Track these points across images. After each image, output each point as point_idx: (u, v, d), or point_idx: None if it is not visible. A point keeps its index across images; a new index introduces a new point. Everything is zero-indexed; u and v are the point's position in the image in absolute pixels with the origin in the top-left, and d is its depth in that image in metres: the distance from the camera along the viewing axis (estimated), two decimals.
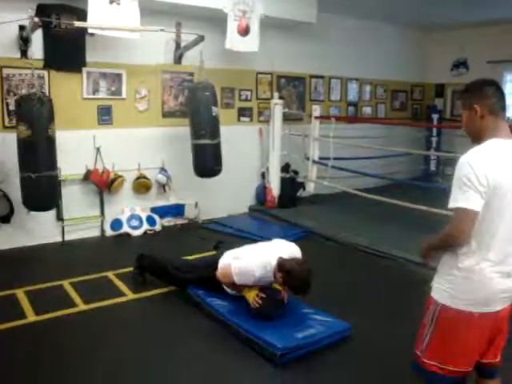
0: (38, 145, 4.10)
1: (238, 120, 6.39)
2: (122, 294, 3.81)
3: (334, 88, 7.47)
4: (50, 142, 4.20)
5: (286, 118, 6.50)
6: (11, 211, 4.72)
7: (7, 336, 3.13)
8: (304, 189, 6.63)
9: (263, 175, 6.58)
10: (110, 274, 4.20)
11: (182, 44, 5.55)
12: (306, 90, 7.11)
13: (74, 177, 5.08)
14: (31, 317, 3.38)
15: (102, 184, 5.23)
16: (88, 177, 5.16)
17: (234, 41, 5.46)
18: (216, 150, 5.19)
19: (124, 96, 5.37)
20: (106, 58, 5.14)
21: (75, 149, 5.00)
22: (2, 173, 4.67)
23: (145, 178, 5.57)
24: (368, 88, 7.97)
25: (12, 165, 4.44)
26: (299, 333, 3.00)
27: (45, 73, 4.81)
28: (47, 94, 4.71)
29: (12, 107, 4.61)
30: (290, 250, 3.38)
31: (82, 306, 3.57)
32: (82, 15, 4.62)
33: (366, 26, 7.37)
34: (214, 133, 5.14)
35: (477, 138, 1.88)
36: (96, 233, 5.38)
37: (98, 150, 5.21)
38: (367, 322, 3.33)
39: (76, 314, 3.47)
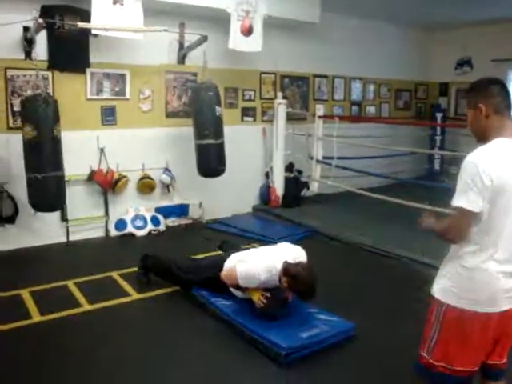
0: (44, 145, 4.10)
1: (242, 120, 6.39)
2: (127, 294, 3.82)
3: (337, 87, 7.46)
4: (56, 143, 4.20)
5: (290, 118, 6.50)
6: (16, 212, 4.74)
7: (12, 336, 3.14)
8: (308, 188, 6.62)
9: (267, 175, 6.58)
10: (115, 274, 4.21)
11: (186, 44, 5.55)
12: (309, 89, 7.10)
13: (78, 177, 5.10)
14: (36, 317, 3.39)
15: (107, 184, 5.24)
16: (92, 177, 5.17)
17: (237, 41, 5.46)
18: (220, 149, 5.19)
19: (128, 96, 5.38)
20: (109, 59, 5.16)
21: (79, 149, 5.01)
22: (6, 173, 4.68)
23: (149, 178, 5.58)
24: (372, 87, 7.95)
25: (16, 165, 4.45)
26: (304, 332, 3.00)
27: (49, 74, 4.82)
28: (51, 94, 4.72)
29: (17, 108, 4.62)
30: (295, 253, 3.37)
31: (87, 306, 3.58)
32: (85, 16, 4.63)
33: (369, 26, 7.35)
34: (218, 133, 5.14)
35: (482, 137, 1.87)
36: (100, 233, 5.39)
37: (102, 150, 5.22)
38: (372, 322, 3.33)
39: (81, 314, 3.48)
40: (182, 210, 5.89)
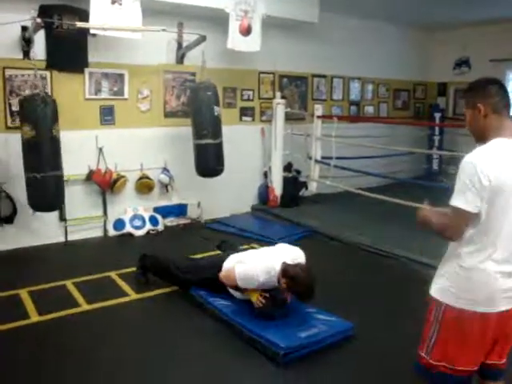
0: (43, 145, 4.10)
1: (240, 120, 6.39)
2: (125, 294, 3.82)
3: (336, 87, 7.46)
4: (55, 142, 4.20)
5: (288, 118, 6.50)
6: (14, 212, 4.74)
7: (11, 336, 3.14)
8: (306, 188, 6.62)
9: (265, 175, 6.58)
10: (113, 274, 4.20)
11: (184, 44, 5.55)
12: (308, 89, 7.10)
13: (76, 177, 5.09)
14: (34, 317, 3.38)
15: (105, 184, 5.24)
16: (91, 177, 5.16)
17: (235, 40, 5.46)
18: (218, 149, 5.19)
19: (126, 96, 5.37)
20: (108, 59, 5.15)
21: (78, 149, 5.00)
22: (5, 173, 4.68)
23: (147, 178, 5.57)
24: (370, 87, 7.96)
25: (15, 165, 4.45)
26: (302, 332, 3.00)
27: (47, 73, 4.81)
28: (50, 94, 4.71)
29: (15, 108, 4.62)
30: (293, 254, 3.37)
31: (85, 306, 3.58)
32: (84, 16, 4.63)
33: (368, 26, 7.35)
34: (216, 132, 5.14)
35: (481, 137, 1.88)
36: (99, 233, 5.39)
37: (100, 150, 5.22)
38: (370, 321, 3.33)
39: (79, 314, 3.48)
40: (180, 210, 5.88)
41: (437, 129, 8.14)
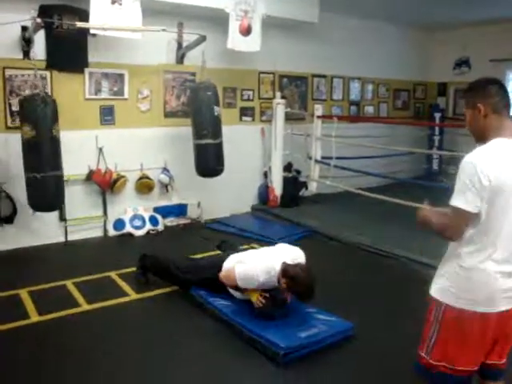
0: (43, 145, 4.10)
1: (240, 120, 6.39)
2: (125, 294, 3.82)
3: (336, 87, 7.46)
4: (55, 142, 4.20)
5: (288, 118, 6.50)
6: (14, 212, 4.74)
7: (11, 336, 3.14)
8: (306, 188, 6.62)
9: (265, 175, 6.58)
10: (113, 274, 4.20)
11: (184, 44, 5.55)
12: (308, 89, 7.10)
13: (76, 177, 5.09)
14: (34, 317, 3.38)
15: (105, 184, 5.24)
16: (91, 177, 5.16)
17: (235, 40, 5.46)
18: (218, 149, 5.19)
19: (126, 96, 5.37)
20: (108, 59, 5.15)
21: (78, 149, 5.00)
22: (4, 173, 4.68)
23: (147, 178, 5.57)
24: (370, 87, 7.95)
25: (14, 165, 4.46)
26: (302, 332, 3.00)
27: (47, 73, 4.81)
28: (50, 94, 4.71)
29: (15, 108, 4.62)
30: (293, 254, 3.37)
31: (85, 306, 3.58)
32: (84, 16, 4.63)
33: (368, 26, 7.35)
34: (216, 133, 5.14)
35: (481, 137, 1.88)
36: (99, 233, 5.39)
37: (100, 150, 5.22)
38: (370, 321, 3.33)
39: (79, 314, 3.48)
40: (180, 210, 5.88)
41: (437, 129, 8.14)
